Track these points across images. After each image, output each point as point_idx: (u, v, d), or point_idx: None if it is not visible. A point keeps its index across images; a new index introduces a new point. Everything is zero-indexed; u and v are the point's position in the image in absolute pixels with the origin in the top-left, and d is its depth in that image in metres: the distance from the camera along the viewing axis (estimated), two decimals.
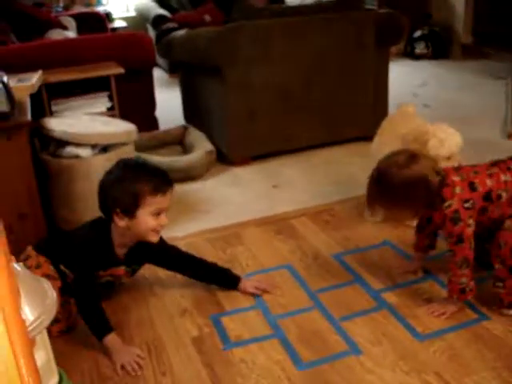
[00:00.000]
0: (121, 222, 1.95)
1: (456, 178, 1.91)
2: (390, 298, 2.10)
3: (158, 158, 3.20)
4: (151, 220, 1.94)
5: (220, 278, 2.20)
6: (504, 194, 1.90)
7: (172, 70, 5.71)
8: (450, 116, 3.89)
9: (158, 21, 5.69)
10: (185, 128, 3.67)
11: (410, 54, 6.42)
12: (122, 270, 2.10)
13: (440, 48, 6.33)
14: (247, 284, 2.17)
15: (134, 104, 3.64)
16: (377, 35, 3.53)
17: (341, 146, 3.65)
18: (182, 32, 3.67)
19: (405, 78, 5.40)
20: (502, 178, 1.91)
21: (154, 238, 2.01)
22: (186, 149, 3.53)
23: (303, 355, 1.83)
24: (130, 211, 1.92)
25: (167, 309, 2.12)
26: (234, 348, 1.88)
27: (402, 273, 2.24)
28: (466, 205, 1.88)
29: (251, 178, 3.26)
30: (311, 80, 3.45)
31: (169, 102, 4.43)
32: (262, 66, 3.28)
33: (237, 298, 2.14)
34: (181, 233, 2.63)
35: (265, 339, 1.92)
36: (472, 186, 1.90)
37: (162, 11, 5.84)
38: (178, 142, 3.64)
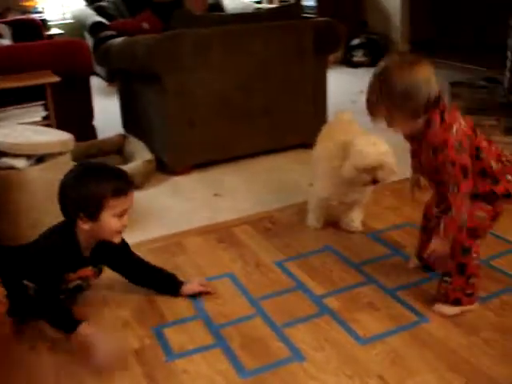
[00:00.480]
0: (85, 226, 1.94)
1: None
2: (332, 303, 2.11)
3: None
4: (115, 222, 1.94)
5: (167, 283, 2.19)
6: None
7: (110, 78, 5.63)
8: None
9: (95, 28, 5.62)
10: (124, 137, 3.62)
11: (348, 62, 6.54)
12: (89, 270, 2.09)
13: (378, 56, 6.45)
14: (189, 286, 2.17)
15: (71, 113, 3.58)
16: (315, 43, 3.57)
17: (281, 154, 3.67)
18: (119, 39, 3.63)
19: (344, 86, 5.48)
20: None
21: (117, 239, 2.02)
22: (125, 158, 3.47)
23: (246, 363, 1.82)
24: (94, 215, 1.91)
25: (107, 321, 2.07)
26: (177, 359, 1.85)
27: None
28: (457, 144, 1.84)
29: (192, 187, 3.24)
30: (251, 88, 3.46)
31: (107, 111, 4.36)
32: (201, 74, 3.27)
33: (179, 308, 2.11)
34: None
35: (207, 349, 1.90)
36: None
37: (99, 18, 5.77)
38: (116, 151, 3.58)
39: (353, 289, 2.20)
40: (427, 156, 1.89)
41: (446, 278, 1.99)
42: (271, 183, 3.25)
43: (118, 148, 3.58)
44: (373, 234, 2.61)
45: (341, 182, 2.46)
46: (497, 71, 5.24)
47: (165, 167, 3.44)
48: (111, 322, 2.06)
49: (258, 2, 7.40)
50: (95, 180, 1.91)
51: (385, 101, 1.83)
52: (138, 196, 3.11)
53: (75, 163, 2.83)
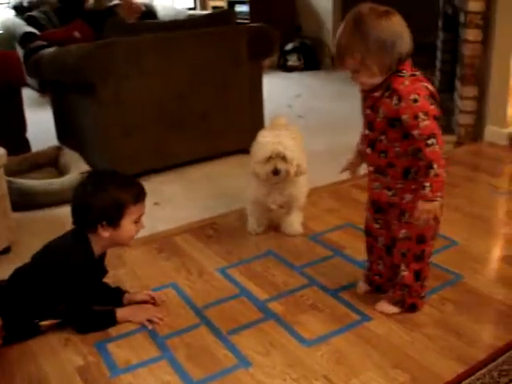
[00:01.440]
0: (105, 233, 1.95)
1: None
2: (276, 307, 2.12)
3: (31, 182, 3.06)
4: (133, 227, 1.99)
5: (115, 297, 2.16)
6: None
7: (43, 89, 5.50)
8: (321, 124, 4.02)
9: (25, 39, 5.48)
10: (58, 149, 3.53)
11: (283, 67, 6.60)
12: None
13: (311, 60, 6.55)
14: (132, 295, 2.15)
15: (3, 126, 3.48)
16: (249, 49, 3.59)
17: (220, 160, 3.67)
18: (51, 50, 3.55)
19: (280, 90, 5.53)
20: None
21: (131, 243, 2.09)
22: (60, 170, 3.39)
23: (193, 373, 1.80)
24: (116, 222, 1.94)
25: (48, 339, 2.01)
26: (122, 374, 1.82)
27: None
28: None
29: None
30: (187, 95, 3.44)
31: (40, 123, 4.25)
32: (136, 82, 3.23)
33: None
34: None
35: (153, 361, 1.87)
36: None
37: (29, 29, 5.63)
38: (51, 163, 3.49)
39: (296, 292, 2.21)
40: (388, 106, 1.79)
41: (404, 289, 2.00)
42: (211, 190, 3.24)
43: (53, 160, 3.50)
44: (313, 236, 2.64)
45: (261, 182, 2.50)
46: (428, 71, 5.39)
47: None
48: (53, 341, 2.00)
49: (191, 9, 7.39)
50: (115, 187, 1.95)
51: (361, 48, 1.74)
52: None
53: (9, 178, 2.77)
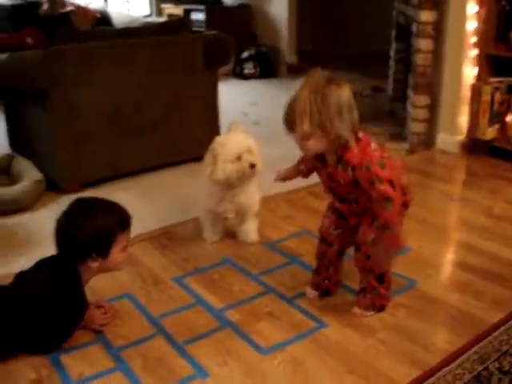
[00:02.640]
0: (94, 264, 1.93)
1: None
2: (232, 315, 2.11)
3: None
4: (121, 254, 1.97)
5: None
6: None
7: None
8: (277, 132, 4.01)
9: None
10: (10, 157, 3.46)
11: (239, 75, 6.61)
12: None
13: (267, 68, 6.58)
14: (88, 319, 2.07)
15: None
16: (205, 57, 3.58)
17: (174, 168, 3.64)
18: (2, 56, 3.47)
19: (236, 98, 5.53)
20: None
21: (122, 268, 2.07)
22: (12, 178, 3.32)
23: None
24: (105, 252, 1.92)
25: None
26: None
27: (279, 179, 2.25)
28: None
29: None
30: (141, 103, 3.41)
31: None
32: (88, 90, 3.19)
33: (76, 333, 2.01)
34: (16, 269, 2.46)
35: (108, 373, 1.84)
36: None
37: None
38: (3, 171, 3.41)
39: (253, 300, 2.21)
40: (344, 176, 1.90)
41: (373, 292, 2.06)
42: (166, 198, 3.22)
43: (4, 168, 3.42)
44: (270, 243, 2.65)
45: (216, 189, 2.51)
46: (382, 80, 5.47)
47: (55, 186, 3.32)
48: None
49: (147, 16, 7.34)
50: (101, 216, 1.91)
51: (317, 113, 1.80)
52: (27, 218, 3.01)
53: None
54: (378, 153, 1.88)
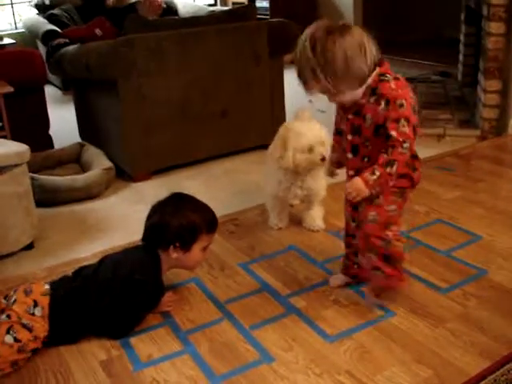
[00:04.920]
0: (174, 254, 2.01)
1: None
2: (298, 302, 2.12)
3: (54, 179, 3.09)
4: (200, 254, 2.06)
5: None
6: None
7: (66, 87, 5.55)
8: None
9: (47, 37, 5.50)
10: (81, 145, 3.56)
11: None
12: None
13: None
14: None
15: (27, 123, 3.52)
16: (270, 44, 3.58)
17: (241, 156, 3.67)
18: (72, 47, 3.57)
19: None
20: None
21: (196, 267, 2.17)
22: (83, 167, 3.42)
23: (216, 368, 1.81)
24: (187, 245, 2.01)
25: None
26: (145, 368, 1.83)
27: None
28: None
29: (153, 193, 3.21)
30: (208, 90, 3.45)
31: (63, 120, 4.30)
32: (157, 79, 3.25)
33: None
34: (86, 253, 2.55)
35: (176, 356, 1.88)
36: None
37: (51, 27, 5.66)
38: (74, 160, 3.53)
39: (318, 287, 2.21)
40: (376, 114, 1.79)
41: (377, 272, 1.99)
42: (232, 185, 3.25)
43: (75, 157, 3.53)
44: (335, 231, 2.63)
45: (285, 175, 2.50)
46: (451, 66, 5.34)
47: (124, 174, 3.40)
48: None
49: (211, 5, 7.39)
50: (194, 212, 2.03)
51: (327, 72, 1.73)
52: (98, 205, 3.09)
53: (33, 175, 2.80)
54: (413, 100, 1.80)
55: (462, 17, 4.82)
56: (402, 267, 2.06)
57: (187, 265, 2.10)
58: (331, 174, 2.15)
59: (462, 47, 4.90)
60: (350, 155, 1.94)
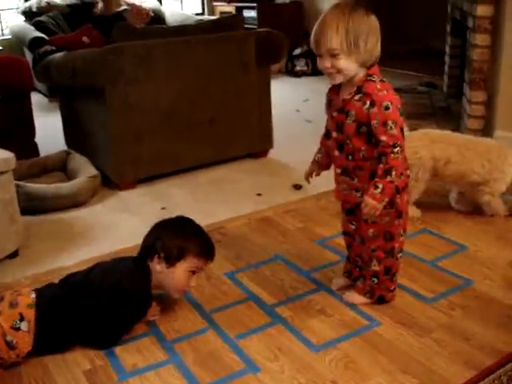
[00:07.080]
0: (157, 266, 2.01)
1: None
2: (284, 312, 2.11)
3: (39, 186, 3.07)
4: (184, 276, 2.03)
5: None
6: None
7: (52, 94, 5.52)
8: None
9: (34, 44, 5.50)
10: (67, 153, 3.55)
11: (291, 72, 6.59)
12: None
13: None
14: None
15: (12, 130, 3.50)
16: (257, 54, 3.59)
17: (227, 164, 3.67)
18: (59, 55, 3.56)
19: (287, 95, 5.53)
20: None
21: (177, 296, 2.11)
22: (69, 175, 3.40)
23: (201, 378, 1.80)
24: (172, 260, 2.00)
25: None
26: (130, 378, 1.82)
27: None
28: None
29: (139, 202, 3.20)
30: (196, 100, 3.44)
31: (49, 127, 4.27)
32: (144, 87, 3.24)
33: None
34: (71, 261, 2.53)
35: (161, 365, 1.87)
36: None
37: (38, 34, 5.65)
38: (60, 168, 3.50)
39: (304, 297, 2.21)
40: (360, 113, 1.82)
41: (374, 279, 2.05)
42: (219, 194, 3.24)
43: (61, 165, 3.51)
44: (321, 240, 2.63)
45: None
46: (437, 77, 5.39)
47: (110, 182, 3.39)
48: None
49: (199, 14, 7.41)
50: (191, 235, 2.05)
51: (350, 28, 1.76)
52: (83, 213, 3.08)
53: (18, 182, 2.77)
54: (399, 101, 1.82)
55: (448, 28, 4.87)
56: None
57: (170, 284, 2.04)
58: (309, 174, 2.15)
59: (447, 58, 4.94)
60: (336, 152, 1.96)
